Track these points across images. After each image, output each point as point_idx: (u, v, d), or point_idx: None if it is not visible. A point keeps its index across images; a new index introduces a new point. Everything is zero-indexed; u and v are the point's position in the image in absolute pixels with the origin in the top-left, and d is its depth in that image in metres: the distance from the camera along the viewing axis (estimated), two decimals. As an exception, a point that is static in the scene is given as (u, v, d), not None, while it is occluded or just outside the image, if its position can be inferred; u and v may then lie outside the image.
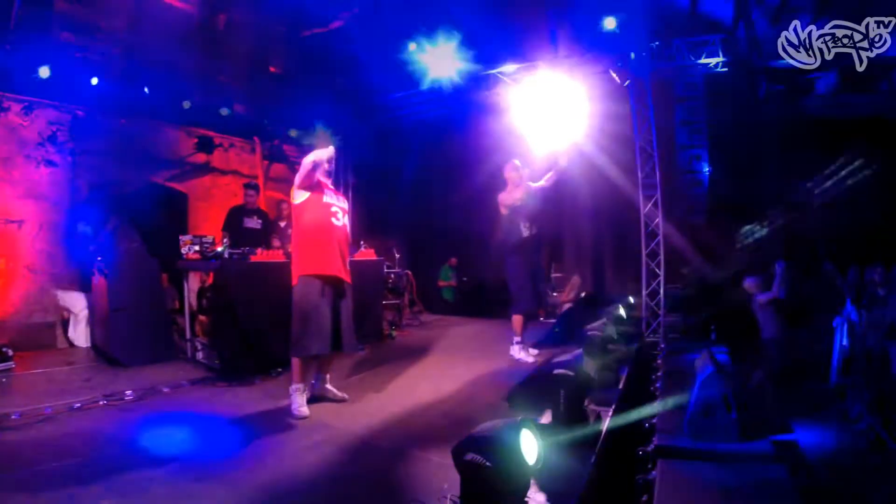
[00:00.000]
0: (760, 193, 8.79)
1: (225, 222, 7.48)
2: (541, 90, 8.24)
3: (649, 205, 7.99)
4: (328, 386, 5.04)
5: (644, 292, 8.11)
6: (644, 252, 8.06)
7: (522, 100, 8.51)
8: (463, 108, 9.83)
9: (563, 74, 8.10)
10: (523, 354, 6.49)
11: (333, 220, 4.74)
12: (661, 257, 7.95)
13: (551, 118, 8.30)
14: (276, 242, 7.69)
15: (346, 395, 5.03)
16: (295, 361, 4.67)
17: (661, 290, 7.98)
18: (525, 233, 6.45)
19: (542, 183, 6.67)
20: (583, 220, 10.61)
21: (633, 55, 7.69)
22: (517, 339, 6.55)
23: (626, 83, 7.90)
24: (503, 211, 6.51)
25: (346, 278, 4.84)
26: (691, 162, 9.36)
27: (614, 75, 7.84)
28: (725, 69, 7.66)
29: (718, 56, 7.51)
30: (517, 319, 6.54)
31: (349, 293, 4.89)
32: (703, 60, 7.59)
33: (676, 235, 8.39)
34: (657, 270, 7.98)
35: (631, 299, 7.79)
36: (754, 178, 8.84)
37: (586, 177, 9.40)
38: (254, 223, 7.49)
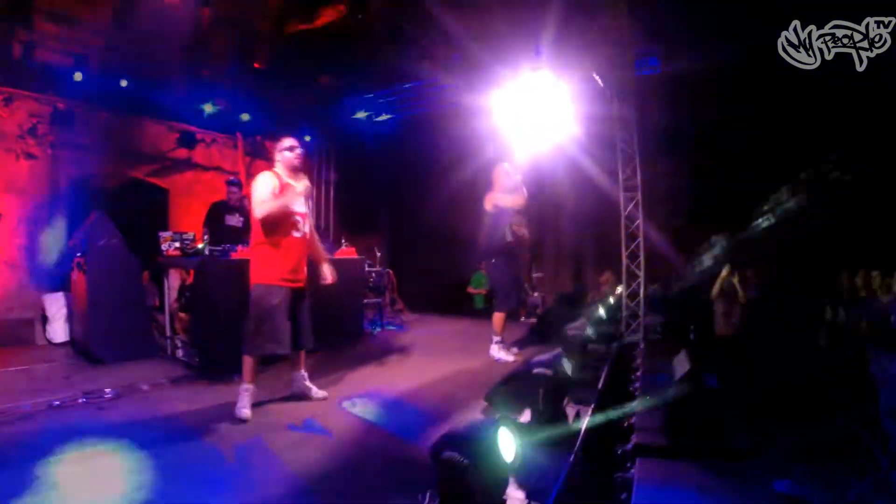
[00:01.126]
0: (741, 197, 8.87)
1: (206, 218, 7.42)
2: (524, 91, 8.26)
3: (630, 206, 8.06)
4: (307, 384, 5.04)
5: (624, 293, 8.17)
6: (624, 253, 8.12)
7: (506, 101, 8.53)
8: (446, 108, 9.83)
9: (547, 75, 8.13)
10: (503, 353, 6.54)
11: (294, 232, 4.65)
12: (642, 258, 8.02)
13: (534, 119, 8.34)
14: None
15: (326, 393, 5.04)
16: (247, 360, 4.62)
17: (641, 291, 8.05)
18: (510, 237, 6.51)
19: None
20: (564, 220, 10.67)
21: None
22: (497, 338, 6.60)
23: (609, 85, 7.94)
24: (491, 211, 6.54)
25: (304, 283, 4.81)
26: (673, 164, 9.42)
27: (597, 78, 7.88)
28: (709, 72, 7.70)
29: (702, 59, 7.54)
30: (498, 318, 6.60)
31: (307, 293, 4.86)
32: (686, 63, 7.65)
33: (657, 237, 8.46)
34: (637, 271, 8.05)
35: (611, 300, 7.85)
36: (735, 181, 8.92)
37: (568, 177, 9.45)
38: (235, 220, 7.44)
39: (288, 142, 4.81)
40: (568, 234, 10.86)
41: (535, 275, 10.99)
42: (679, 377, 4.01)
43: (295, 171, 4.79)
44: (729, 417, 3.74)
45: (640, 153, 7.99)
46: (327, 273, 5.00)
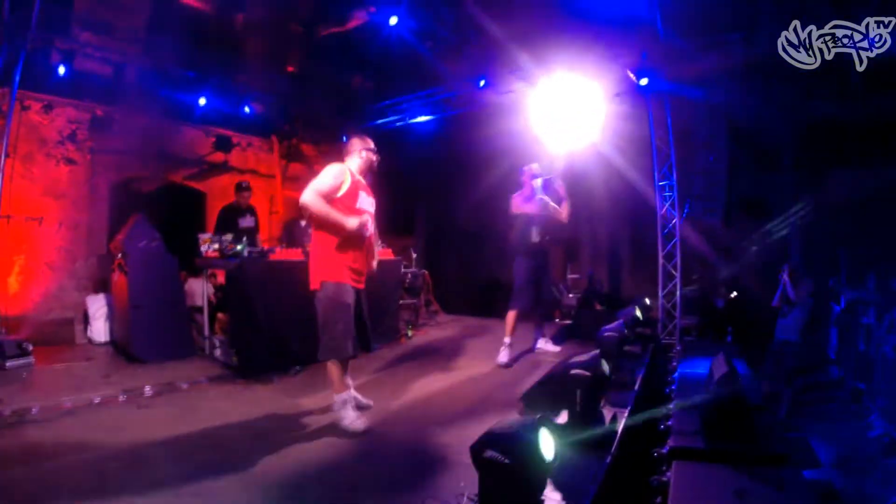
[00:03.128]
0: (779, 195, 8.74)
1: (218, 222, 7.50)
2: (556, 90, 8.22)
3: (666, 206, 7.96)
4: (353, 392, 4.59)
5: (660, 294, 8.07)
6: (661, 253, 8.02)
7: (538, 100, 8.49)
8: (479, 109, 9.82)
9: (579, 74, 8.07)
10: (504, 356, 6.42)
11: (364, 231, 4.32)
12: (678, 259, 7.91)
13: (567, 118, 8.28)
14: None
15: (370, 402, 4.77)
16: (332, 368, 4.29)
17: (678, 292, 7.95)
18: (535, 238, 6.54)
19: (559, 213, 6.75)
20: (599, 220, 10.59)
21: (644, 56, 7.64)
22: (507, 339, 6.53)
23: (643, 83, 7.84)
24: (516, 212, 6.59)
25: (363, 282, 4.56)
26: (709, 163, 9.31)
27: (631, 75, 7.80)
28: (744, 69, 7.59)
29: (737, 56, 7.44)
30: (509, 316, 6.57)
31: (365, 294, 4.63)
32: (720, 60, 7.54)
33: (693, 236, 8.35)
34: (673, 272, 7.94)
35: (647, 300, 7.76)
36: (773, 179, 8.79)
37: (603, 177, 9.37)
38: (247, 222, 7.56)
39: (370, 141, 4.61)
40: (604, 235, 10.78)
41: (570, 276, 10.93)
42: (716, 380, 3.94)
43: (370, 172, 4.65)
44: (767, 422, 3.67)
45: (675, 152, 7.89)
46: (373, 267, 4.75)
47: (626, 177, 8.69)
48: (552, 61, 8.07)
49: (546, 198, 6.65)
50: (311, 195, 4.11)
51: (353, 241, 4.29)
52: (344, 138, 10.94)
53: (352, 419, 4.22)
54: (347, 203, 4.28)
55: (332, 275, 4.26)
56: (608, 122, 8.20)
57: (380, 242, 8.08)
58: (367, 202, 4.49)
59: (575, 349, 6.14)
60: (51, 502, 2.97)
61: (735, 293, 8.45)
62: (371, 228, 4.46)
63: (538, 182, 6.60)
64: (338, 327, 4.22)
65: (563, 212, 6.74)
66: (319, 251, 4.34)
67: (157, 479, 3.30)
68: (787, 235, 8.71)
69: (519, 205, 6.58)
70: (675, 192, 7.90)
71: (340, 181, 4.25)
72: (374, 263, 4.76)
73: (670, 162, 7.90)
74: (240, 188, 7.77)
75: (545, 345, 7.06)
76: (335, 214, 4.15)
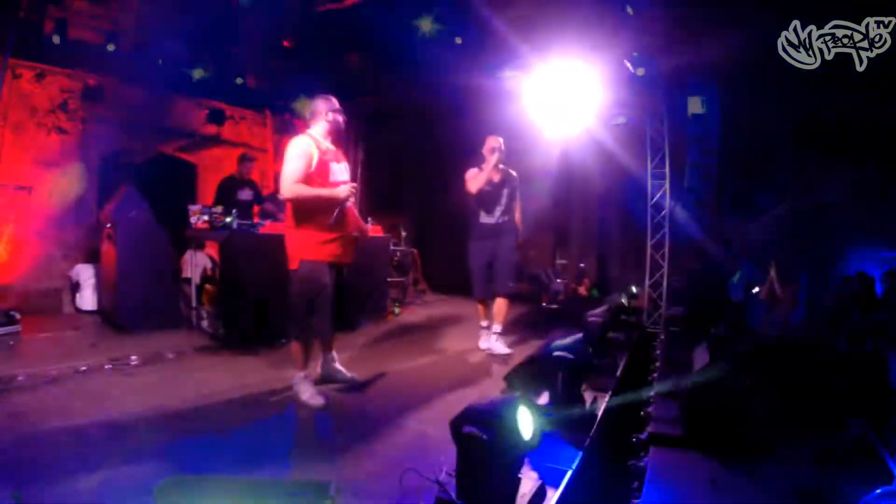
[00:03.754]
0: (769, 190, 8.78)
1: (217, 193, 7.49)
2: (554, 76, 8.22)
3: (657, 195, 8.00)
4: (337, 366, 4.62)
5: (647, 283, 8.13)
6: (650, 242, 8.08)
7: (533, 85, 8.49)
8: (474, 91, 9.79)
9: (576, 61, 8.07)
10: (491, 341, 6.12)
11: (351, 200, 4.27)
12: (667, 249, 7.97)
13: (563, 104, 8.29)
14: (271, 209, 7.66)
15: (355, 376, 4.68)
16: (296, 347, 4.31)
17: (665, 282, 8.01)
18: (484, 218, 6.08)
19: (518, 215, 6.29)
20: (590, 207, 10.63)
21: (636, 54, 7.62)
22: (483, 322, 6.24)
23: (640, 73, 7.84)
24: (470, 190, 6.03)
25: (351, 255, 4.45)
26: (701, 155, 9.34)
27: (628, 64, 7.79)
28: (741, 64, 7.60)
29: (734, 49, 7.44)
30: (479, 307, 6.30)
31: (350, 270, 4.59)
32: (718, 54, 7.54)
33: (682, 228, 8.40)
34: (661, 262, 8.00)
35: (634, 289, 7.82)
36: (765, 174, 8.83)
37: (597, 163, 9.40)
38: (246, 195, 7.53)
39: (335, 102, 4.39)
40: (594, 221, 10.81)
41: (558, 261, 10.97)
42: (697, 369, 3.99)
43: (338, 135, 4.48)
44: (746, 413, 3.72)
45: (669, 142, 7.92)
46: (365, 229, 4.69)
47: (620, 164, 8.71)
48: (548, 48, 8.05)
49: (507, 171, 6.15)
50: (290, 189, 4.02)
51: (328, 217, 4.14)
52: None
53: (310, 394, 4.20)
54: (320, 180, 4.14)
55: (308, 253, 4.16)
56: (603, 110, 8.22)
57: (370, 220, 8.10)
58: (339, 171, 4.32)
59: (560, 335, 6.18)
60: (34, 468, 2.98)
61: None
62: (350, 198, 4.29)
63: (494, 158, 5.91)
64: (308, 308, 4.20)
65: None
66: (296, 229, 4.22)
67: (141, 446, 3.33)
68: (776, 231, 8.76)
69: (470, 182, 6.01)
70: (666, 182, 7.94)
71: (309, 157, 4.10)
72: (363, 230, 4.69)
73: (664, 152, 7.93)
74: (243, 159, 7.73)
75: (493, 343, 6.13)
76: (323, 192, 4.09)
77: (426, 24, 8.39)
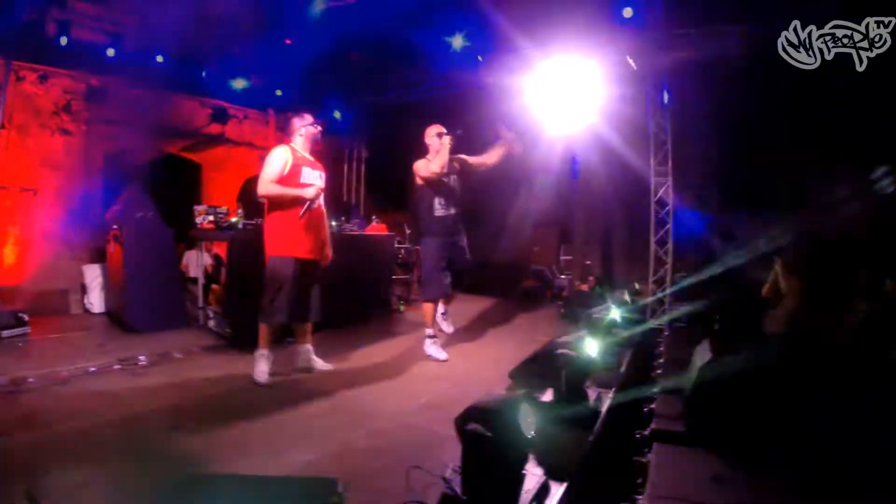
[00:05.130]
0: (772, 187, 8.77)
1: (240, 193, 7.57)
2: (555, 72, 8.22)
3: (661, 191, 8.00)
4: (313, 357, 5.19)
5: (651, 279, 8.14)
6: (653, 239, 8.07)
7: (536, 81, 8.50)
8: (476, 88, 9.80)
9: (578, 57, 8.08)
10: (433, 350, 5.79)
11: (317, 201, 4.75)
12: (670, 245, 7.97)
13: (565, 100, 8.30)
14: None
15: (331, 366, 5.19)
16: (262, 328, 4.82)
17: (668, 278, 8.01)
18: (440, 211, 5.76)
19: (481, 158, 6.08)
20: (594, 203, 10.63)
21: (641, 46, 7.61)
22: (429, 331, 5.83)
23: (642, 68, 7.84)
24: (418, 182, 5.87)
25: (317, 256, 4.94)
26: (704, 150, 9.33)
27: (630, 61, 7.79)
28: (742, 61, 7.60)
29: (736, 46, 7.44)
30: (426, 308, 5.84)
31: (319, 268, 5.00)
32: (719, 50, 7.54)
33: (686, 223, 8.40)
34: (665, 258, 8.00)
35: (637, 285, 7.83)
36: (767, 171, 8.82)
37: (599, 160, 9.41)
38: None
39: (309, 117, 4.96)
40: (598, 217, 10.82)
41: (563, 257, 10.99)
42: (701, 366, 4.00)
43: (315, 144, 5.00)
44: (749, 410, 3.74)
45: (672, 137, 7.91)
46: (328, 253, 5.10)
47: (623, 160, 8.70)
48: (550, 44, 8.06)
49: (457, 158, 5.93)
50: (265, 187, 4.58)
51: (297, 214, 4.62)
52: (338, 113, 11.02)
53: (260, 371, 4.75)
54: (291, 181, 4.66)
55: (276, 249, 4.73)
56: (606, 105, 8.22)
57: (374, 218, 8.14)
58: (312, 176, 4.82)
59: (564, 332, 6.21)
60: (47, 469, 3.02)
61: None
62: (319, 201, 4.80)
63: (447, 140, 5.65)
64: (273, 297, 4.69)
65: (494, 156, 6.05)
66: (268, 228, 4.80)
67: (150, 445, 3.38)
68: (781, 227, 8.73)
69: (421, 170, 5.81)
70: (669, 179, 7.93)
71: (284, 161, 4.65)
72: (326, 236, 5.09)
73: (667, 148, 7.93)
74: None
75: (429, 348, 5.81)
76: (291, 191, 4.62)
77: (429, 22, 8.40)
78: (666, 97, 7.88)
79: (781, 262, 7.38)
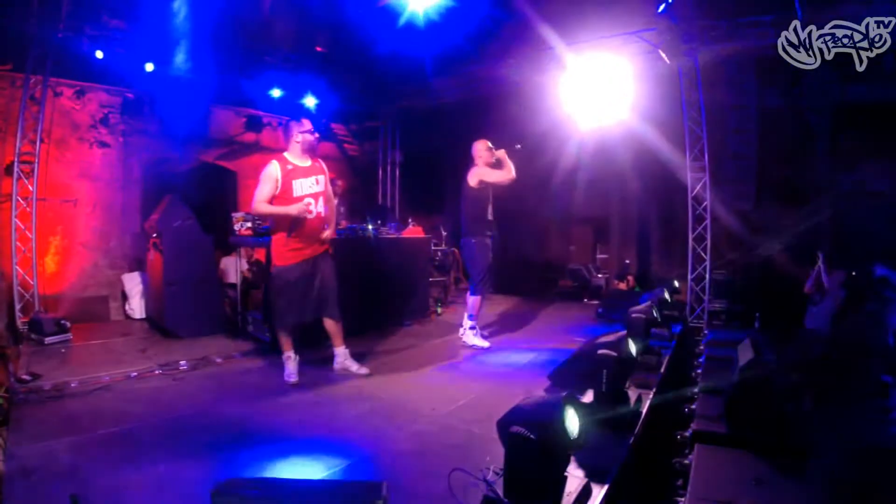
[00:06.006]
0: (810, 180, 8.61)
1: None
2: (587, 69, 8.17)
3: (697, 188, 7.89)
4: (349, 359, 5.25)
5: (690, 277, 8.03)
6: (691, 236, 7.96)
7: (568, 79, 8.45)
8: (509, 88, 9.76)
9: (610, 53, 8.01)
10: (477, 339, 6.35)
11: (306, 215, 4.82)
12: (708, 241, 7.85)
13: (597, 97, 8.24)
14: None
15: (366, 369, 5.20)
16: (279, 333, 5.06)
17: (707, 275, 7.90)
18: (490, 216, 6.39)
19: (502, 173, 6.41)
20: (630, 200, 10.53)
21: (670, 38, 7.49)
22: (472, 322, 6.38)
23: (676, 63, 7.73)
24: (477, 187, 6.30)
25: (321, 249, 5.02)
26: (741, 146, 9.20)
27: (663, 55, 7.70)
28: (776, 51, 7.45)
29: (769, 38, 7.30)
30: (476, 301, 6.36)
31: (328, 261, 5.07)
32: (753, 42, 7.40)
33: (723, 220, 8.28)
34: (703, 255, 7.89)
35: (676, 283, 7.72)
36: (804, 165, 8.66)
37: (634, 157, 9.32)
38: None
39: (307, 124, 5.00)
40: (634, 215, 10.72)
41: (599, 256, 10.91)
42: (742, 365, 3.93)
43: (312, 151, 5.09)
44: (792, 410, 3.65)
45: (707, 133, 7.80)
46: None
47: (658, 157, 8.59)
48: (582, 40, 8.01)
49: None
50: (255, 206, 4.85)
51: (295, 227, 4.83)
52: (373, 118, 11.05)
53: (288, 373, 4.96)
54: (283, 197, 4.80)
55: (277, 259, 4.94)
56: (639, 103, 8.14)
57: (410, 221, 8.17)
58: (305, 185, 4.92)
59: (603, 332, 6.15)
60: (91, 472, 3.07)
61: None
62: (318, 208, 4.94)
63: (501, 152, 6.38)
64: (280, 303, 4.94)
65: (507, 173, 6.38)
66: (273, 240, 5.00)
67: (193, 448, 3.43)
68: (820, 221, 8.55)
69: (485, 177, 6.30)
70: (706, 175, 7.82)
71: (274, 180, 4.79)
72: (330, 231, 5.16)
73: (702, 144, 7.81)
74: None
75: (472, 338, 6.39)
76: (279, 209, 4.80)
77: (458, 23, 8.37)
78: (699, 91, 7.76)
79: (825, 257, 7.23)
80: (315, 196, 4.92)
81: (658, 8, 7.35)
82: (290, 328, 5.03)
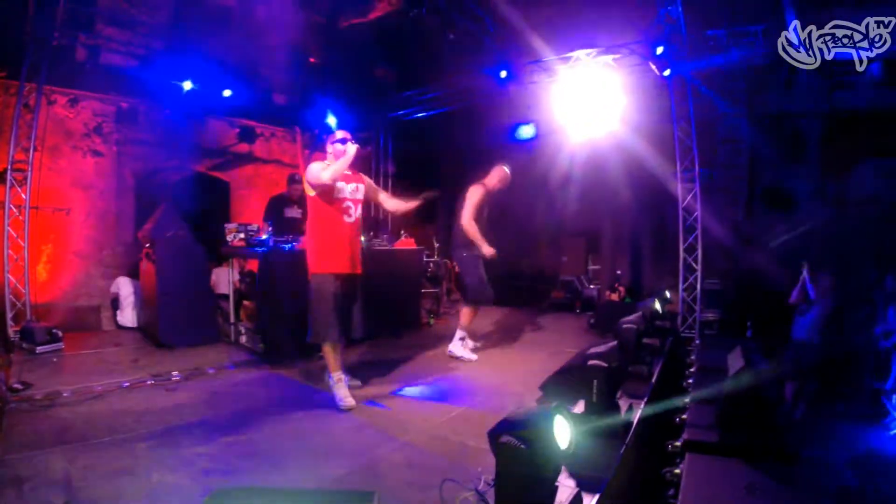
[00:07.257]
0: (801, 189, 8.66)
1: (266, 211, 7.65)
2: (578, 80, 8.23)
3: (688, 198, 7.93)
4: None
5: (681, 287, 8.06)
6: (682, 246, 8.00)
7: (559, 90, 8.50)
8: (501, 99, 9.81)
9: (601, 65, 8.08)
10: (465, 352, 6.37)
11: (346, 217, 4.75)
12: (699, 252, 7.89)
13: (589, 108, 8.30)
14: None
15: (359, 381, 5.12)
16: (326, 351, 4.71)
17: (698, 286, 7.93)
18: (483, 227, 6.45)
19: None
20: (621, 212, 10.57)
21: (660, 49, 7.54)
22: (461, 333, 6.43)
23: (666, 74, 7.79)
24: (482, 198, 6.39)
25: (357, 271, 4.87)
26: (731, 155, 9.26)
27: (653, 67, 7.76)
28: (766, 61, 7.52)
29: (759, 48, 7.37)
30: (470, 312, 6.48)
31: (359, 283, 4.92)
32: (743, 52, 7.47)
33: (715, 230, 8.32)
34: (694, 265, 7.93)
35: (667, 294, 7.74)
36: (796, 173, 8.71)
37: (625, 169, 9.36)
38: (294, 213, 7.65)
39: (340, 134, 4.87)
40: (625, 226, 10.76)
41: (591, 267, 10.94)
42: (732, 374, 3.95)
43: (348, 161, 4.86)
44: (783, 419, 3.68)
45: (697, 143, 7.85)
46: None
47: (648, 168, 8.64)
48: (573, 52, 8.07)
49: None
50: (318, 178, 4.57)
51: (336, 230, 4.71)
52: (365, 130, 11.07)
53: (341, 396, 4.58)
54: (327, 195, 4.68)
55: (316, 267, 4.71)
56: (630, 114, 8.20)
57: (403, 232, 8.18)
58: (348, 189, 4.80)
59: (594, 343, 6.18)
60: (83, 482, 3.07)
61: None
62: (356, 214, 4.85)
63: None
64: (320, 314, 4.65)
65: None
66: (309, 245, 4.84)
67: (186, 459, 3.42)
68: (810, 229, 8.61)
69: (492, 185, 6.46)
70: (697, 185, 7.87)
71: (324, 165, 4.71)
72: (358, 251, 4.98)
73: (693, 154, 7.86)
74: (292, 180, 7.83)
75: (461, 350, 6.42)
76: (336, 165, 4.64)
77: (450, 35, 8.43)
78: (690, 102, 7.82)
79: (809, 266, 7.27)
80: (355, 203, 4.83)
81: (649, 20, 7.42)
82: (336, 340, 4.71)
